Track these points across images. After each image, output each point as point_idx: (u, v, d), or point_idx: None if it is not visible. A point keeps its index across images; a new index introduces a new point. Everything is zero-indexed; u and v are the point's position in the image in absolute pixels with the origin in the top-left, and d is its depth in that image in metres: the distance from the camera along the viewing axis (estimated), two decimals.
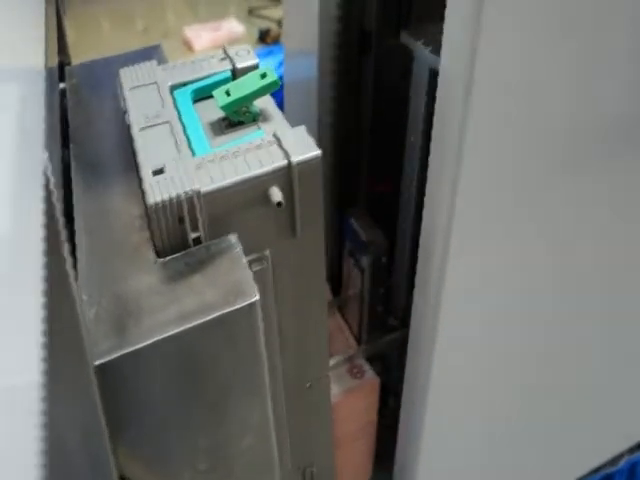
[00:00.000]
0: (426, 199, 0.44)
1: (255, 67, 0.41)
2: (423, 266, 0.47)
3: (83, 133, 0.40)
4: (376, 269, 0.58)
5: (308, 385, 0.50)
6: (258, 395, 0.35)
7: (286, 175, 0.34)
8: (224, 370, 0.32)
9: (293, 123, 0.37)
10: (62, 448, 0.26)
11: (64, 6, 0.48)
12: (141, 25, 1.80)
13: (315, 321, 0.44)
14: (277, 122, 0.38)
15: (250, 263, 0.36)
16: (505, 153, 0.40)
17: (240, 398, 0.34)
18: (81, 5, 1.78)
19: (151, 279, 0.31)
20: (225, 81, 0.40)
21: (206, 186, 0.32)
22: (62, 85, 0.45)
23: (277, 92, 0.39)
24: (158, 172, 0.32)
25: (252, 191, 0.33)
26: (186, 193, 0.31)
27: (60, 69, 0.45)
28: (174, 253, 0.33)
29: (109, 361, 0.28)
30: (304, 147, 0.34)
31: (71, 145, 0.39)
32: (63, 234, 0.22)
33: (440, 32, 0.38)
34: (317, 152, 0.34)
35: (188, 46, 1.67)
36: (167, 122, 0.36)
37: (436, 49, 0.41)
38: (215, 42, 1.64)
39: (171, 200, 0.31)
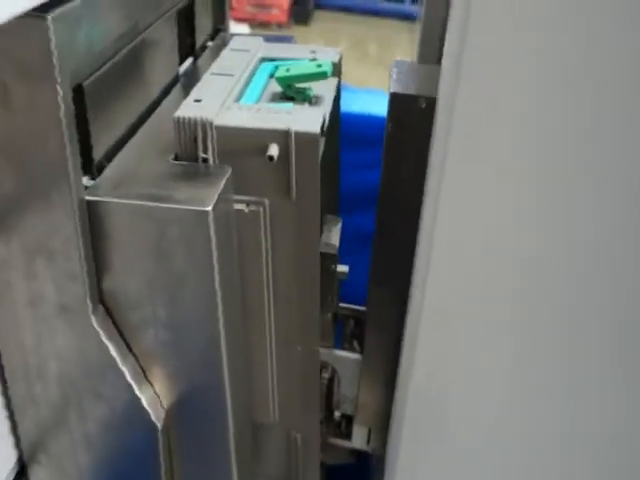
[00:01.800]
0: None
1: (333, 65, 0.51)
2: None
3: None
4: None
5: (298, 349, 0.56)
6: (208, 300, 0.43)
7: (284, 138, 0.42)
8: (179, 261, 0.42)
9: None
10: None
11: None
12: None
13: (307, 287, 0.52)
14: (320, 107, 0.47)
15: (248, 204, 0.46)
16: None
17: (191, 293, 0.43)
18: None
19: (159, 169, 0.43)
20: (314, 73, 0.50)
21: (220, 121, 0.42)
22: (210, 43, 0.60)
23: None
24: (197, 100, 0.44)
25: (255, 140, 0.42)
26: (202, 119, 0.42)
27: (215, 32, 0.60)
28: (185, 160, 0.44)
29: (93, 201, 0.40)
30: (309, 123, 0.43)
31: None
32: None
33: None
34: (315, 131, 0.42)
35: None
36: (233, 76, 0.47)
37: None
38: None
39: (190, 120, 0.42)
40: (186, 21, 0.55)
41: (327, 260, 0.57)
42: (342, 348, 0.68)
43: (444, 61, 0.38)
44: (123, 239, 0.42)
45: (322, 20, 2.89)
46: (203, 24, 0.59)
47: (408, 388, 0.53)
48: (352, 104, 0.81)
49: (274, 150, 0.42)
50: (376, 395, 0.68)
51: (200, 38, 0.59)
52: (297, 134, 0.42)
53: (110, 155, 0.44)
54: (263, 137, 0.42)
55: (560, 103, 0.37)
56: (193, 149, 0.43)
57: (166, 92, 0.53)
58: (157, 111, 0.49)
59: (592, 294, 0.43)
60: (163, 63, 0.52)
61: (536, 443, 0.52)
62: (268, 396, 0.59)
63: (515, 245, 0.43)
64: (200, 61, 0.59)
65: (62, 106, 0.35)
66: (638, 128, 0.37)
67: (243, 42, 0.52)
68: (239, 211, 0.46)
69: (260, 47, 0.53)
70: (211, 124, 0.42)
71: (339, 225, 0.60)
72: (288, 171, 0.44)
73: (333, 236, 0.58)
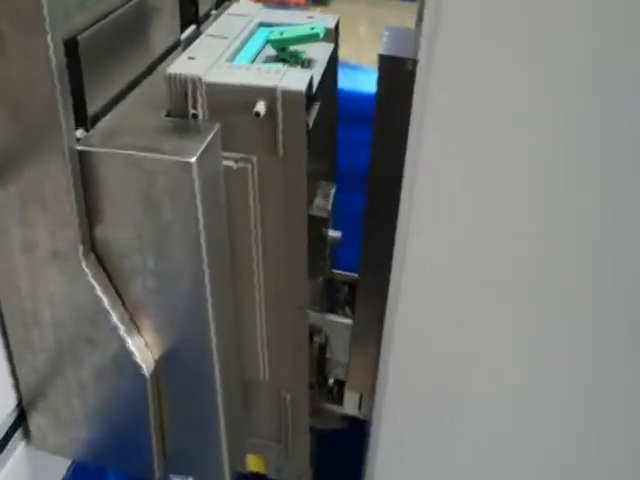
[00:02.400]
0: None
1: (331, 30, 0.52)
2: None
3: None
4: None
5: (287, 307, 0.57)
6: (194, 252, 0.45)
7: (271, 96, 0.44)
8: (166, 211, 0.43)
9: None
10: None
11: None
12: None
13: (295, 246, 0.53)
14: (312, 69, 0.49)
15: (237, 161, 0.48)
16: None
17: (178, 243, 0.45)
18: None
19: (150, 124, 0.45)
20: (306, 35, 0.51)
21: (210, 78, 0.44)
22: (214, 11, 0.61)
23: None
24: (191, 58, 0.45)
25: (243, 97, 0.44)
26: (192, 76, 0.43)
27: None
28: (176, 117, 0.45)
29: (84, 151, 0.41)
30: (296, 81, 0.44)
31: None
32: None
33: None
34: (301, 89, 0.44)
35: None
36: (227, 38, 0.48)
37: None
38: None
39: (180, 76, 0.44)
40: None
41: (318, 223, 0.58)
42: (335, 314, 0.70)
43: (424, 22, 0.39)
44: (113, 188, 0.43)
45: (341, 1, 2.88)
46: None
47: (391, 345, 0.54)
48: (366, 84, 0.81)
49: (261, 107, 0.44)
50: (367, 361, 0.69)
51: (204, 6, 0.61)
52: (284, 92, 0.43)
53: (105, 110, 0.46)
54: (250, 94, 0.44)
55: (541, 70, 0.38)
56: (184, 105, 0.45)
57: (166, 55, 0.54)
58: (155, 71, 0.51)
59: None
60: (163, 27, 0.54)
61: (523, 401, 0.53)
62: (258, 354, 0.61)
63: (493, 215, 0.44)
64: (203, 28, 0.61)
65: (53, 58, 0.36)
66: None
67: (242, 7, 0.54)
68: (227, 167, 0.47)
69: (259, 13, 0.54)
70: (200, 80, 0.43)
71: (332, 190, 0.61)
72: (275, 128, 0.45)
73: (324, 201, 0.59)
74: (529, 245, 0.45)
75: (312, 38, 0.47)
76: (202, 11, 0.60)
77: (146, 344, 0.52)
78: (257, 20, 0.53)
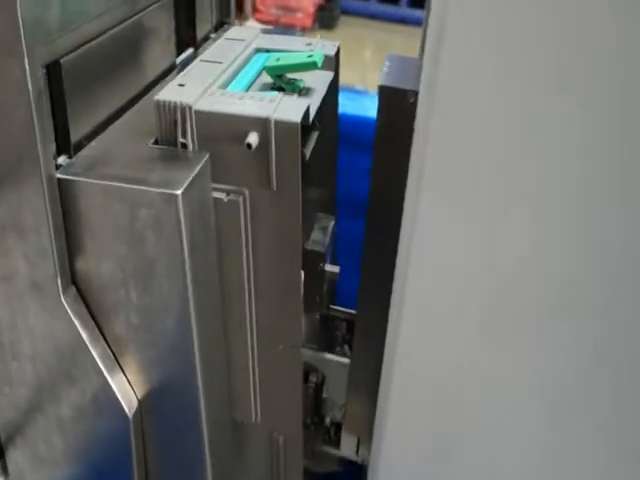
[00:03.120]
0: None
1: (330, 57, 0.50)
2: None
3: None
4: None
5: (280, 348, 0.55)
6: (179, 287, 0.43)
7: (263, 127, 0.41)
8: (150, 245, 0.41)
9: None
10: None
11: None
12: None
13: (289, 282, 0.51)
14: (308, 98, 0.47)
15: (228, 193, 0.45)
16: None
17: (163, 278, 0.43)
18: None
19: (137, 152, 0.42)
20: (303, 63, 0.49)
21: (200, 106, 0.42)
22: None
23: None
24: (181, 85, 0.43)
25: (234, 127, 0.42)
26: (181, 103, 0.41)
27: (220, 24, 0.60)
28: (165, 145, 0.43)
29: (64, 179, 0.39)
30: (291, 112, 0.42)
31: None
32: None
33: None
34: (296, 120, 0.41)
35: None
36: (222, 64, 0.46)
37: None
38: None
39: (169, 103, 0.41)
40: (185, 11, 0.55)
41: (314, 257, 0.55)
42: (333, 352, 0.67)
43: (425, 55, 0.37)
44: (95, 220, 0.41)
45: (347, 26, 2.88)
46: (205, 15, 0.58)
47: (390, 386, 0.52)
48: (372, 109, 0.79)
49: (253, 138, 0.41)
50: (364, 403, 0.66)
51: (203, 29, 0.59)
52: (277, 122, 0.41)
53: (91, 136, 0.44)
54: (242, 124, 0.42)
55: (541, 102, 0.36)
56: (173, 133, 0.43)
57: (160, 79, 0.52)
58: (146, 97, 0.49)
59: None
60: (157, 50, 0.52)
61: (521, 442, 0.51)
62: (249, 395, 0.58)
63: (497, 249, 0.42)
64: (201, 51, 0.59)
65: (30, 82, 0.34)
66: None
67: (239, 32, 0.52)
68: (218, 200, 0.45)
69: (256, 38, 0.52)
70: (190, 108, 0.41)
71: (331, 224, 0.59)
72: (268, 161, 0.43)
73: (322, 234, 0.57)
74: (534, 280, 0.42)
75: (310, 66, 0.45)
76: (201, 34, 0.59)
77: (129, 382, 0.49)
78: (254, 45, 0.51)
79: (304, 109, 0.42)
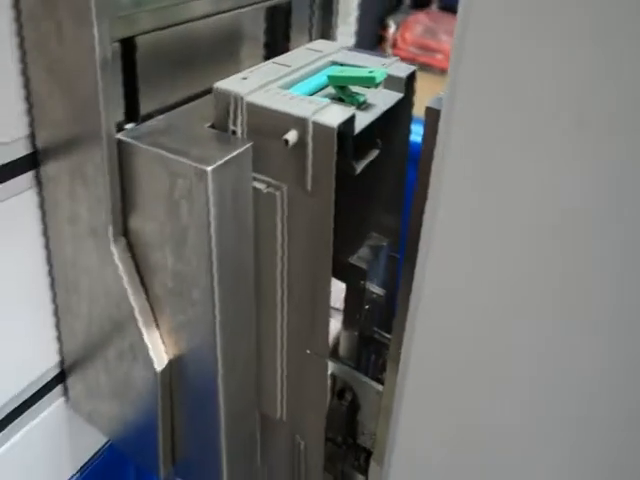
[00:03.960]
0: None
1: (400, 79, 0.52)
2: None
3: None
4: None
5: (307, 352, 0.57)
6: (204, 262, 0.47)
7: (302, 126, 0.44)
8: (184, 215, 0.46)
9: None
10: None
11: None
12: None
13: (318, 289, 0.52)
14: (364, 112, 0.48)
15: (268, 185, 0.49)
16: None
17: (192, 249, 0.47)
18: None
19: (191, 131, 0.48)
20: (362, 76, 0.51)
21: (251, 98, 0.46)
22: None
23: None
24: (244, 78, 0.48)
25: (277, 123, 0.45)
26: (235, 93, 0.46)
27: None
28: (218, 129, 0.48)
29: (121, 140, 0.45)
30: (331, 117, 0.44)
31: None
32: None
33: None
34: (333, 125, 0.43)
35: None
36: (289, 67, 0.50)
37: None
38: None
39: (225, 91, 0.46)
40: (279, 22, 0.59)
41: (355, 273, 0.56)
42: (374, 379, 0.66)
43: (448, 75, 0.38)
44: (143, 182, 0.47)
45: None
46: (303, 29, 0.63)
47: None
48: None
49: (291, 136, 0.44)
50: None
51: (299, 42, 0.63)
52: (315, 124, 0.44)
53: (160, 112, 0.50)
54: (284, 121, 0.45)
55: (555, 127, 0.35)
56: (226, 120, 0.47)
57: None
58: None
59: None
60: (242, 51, 0.57)
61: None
62: (276, 390, 0.60)
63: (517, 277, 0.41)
64: None
65: (97, 49, 0.41)
66: None
67: (321, 44, 0.56)
68: (257, 190, 0.48)
69: (337, 52, 0.55)
70: (242, 99, 0.46)
71: (384, 244, 0.59)
72: (304, 161, 0.46)
73: (369, 252, 0.58)
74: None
75: (368, 81, 0.47)
76: (295, 45, 0.63)
77: (163, 341, 0.54)
78: (331, 58, 0.54)
79: (346, 117, 0.45)
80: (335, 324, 0.64)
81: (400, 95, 0.52)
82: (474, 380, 0.46)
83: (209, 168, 0.43)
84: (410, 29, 2.60)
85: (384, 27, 2.57)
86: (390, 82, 0.52)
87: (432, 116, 0.45)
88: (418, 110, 0.55)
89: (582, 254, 0.39)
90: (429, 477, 0.53)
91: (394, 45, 2.57)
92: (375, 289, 0.59)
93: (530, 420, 0.46)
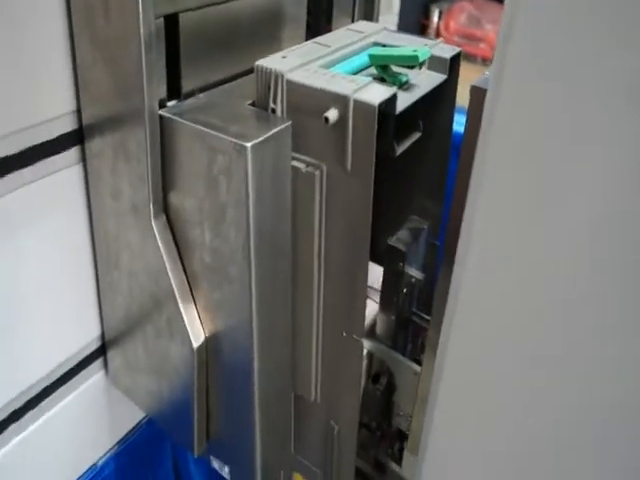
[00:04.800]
0: None
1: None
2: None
3: None
4: None
5: (343, 335, 0.57)
6: (242, 238, 0.47)
7: (343, 104, 0.44)
8: (222, 191, 0.46)
9: None
10: None
11: None
12: None
13: (355, 270, 0.52)
14: (406, 92, 0.48)
15: (307, 165, 0.49)
16: None
17: (230, 225, 0.47)
18: None
19: (232, 108, 0.48)
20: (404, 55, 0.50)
21: (292, 76, 0.46)
22: None
23: None
24: (284, 57, 0.48)
25: (317, 101, 0.45)
26: (276, 71, 0.46)
27: None
28: (258, 107, 0.48)
29: (163, 116, 0.46)
30: (372, 95, 0.44)
31: None
32: None
33: None
34: (374, 103, 0.43)
35: None
36: (330, 47, 0.50)
37: None
38: None
39: (266, 69, 0.46)
40: (322, 2, 0.59)
41: (394, 254, 0.56)
42: (410, 359, 0.66)
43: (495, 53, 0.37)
44: (183, 158, 0.47)
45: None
46: (345, 11, 0.62)
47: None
48: None
49: (332, 113, 0.44)
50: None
51: (341, 24, 0.63)
52: (356, 102, 0.44)
53: (202, 89, 0.50)
54: (324, 99, 0.45)
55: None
56: (266, 98, 0.47)
57: None
58: None
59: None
60: (283, 32, 0.57)
61: None
62: (310, 372, 0.60)
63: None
64: None
65: (142, 25, 0.41)
66: None
67: (363, 26, 0.55)
68: (296, 169, 0.48)
69: (379, 33, 0.55)
70: (283, 77, 0.46)
71: (424, 227, 0.59)
72: (344, 139, 0.45)
73: (408, 235, 0.57)
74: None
75: (411, 59, 0.46)
76: (336, 27, 0.62)
77: (200, 318, 0.55)
78: (372, 39, 0.53)
79: (388, 96, 0.44)
80: (372, 305, 0.64)
81: (444, 77, 0.51)
82: (513, 373, 0.45)
83: (249, 144, 0.43)
84: (454, 17, 2.55)
85: (427, 15, 2.54)
86: (434, 63, 0.52)
87: (477, 95, 0.44)
88: (460, 100, 0.55)
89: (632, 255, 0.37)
90: (464, 468, 0.52)
91: (437, 34, 2.53)
92: (414, 272, 0.58)
93: (574, 420, 0.45)
